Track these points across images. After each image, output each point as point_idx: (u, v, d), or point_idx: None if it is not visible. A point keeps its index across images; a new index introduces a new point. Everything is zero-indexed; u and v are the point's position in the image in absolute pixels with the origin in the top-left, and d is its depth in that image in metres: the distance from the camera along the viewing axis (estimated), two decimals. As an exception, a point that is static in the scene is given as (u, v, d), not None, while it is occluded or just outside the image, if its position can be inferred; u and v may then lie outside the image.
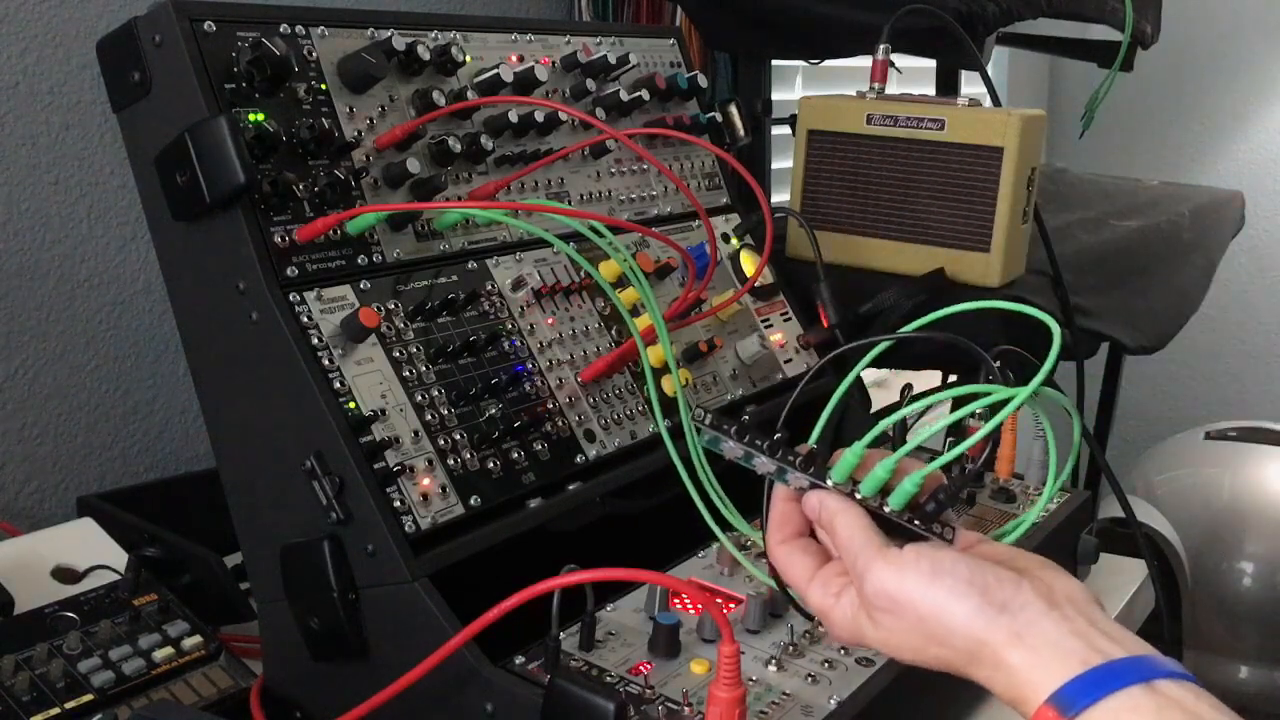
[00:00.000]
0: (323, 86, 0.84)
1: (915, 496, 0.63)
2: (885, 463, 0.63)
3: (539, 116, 0.97)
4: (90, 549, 0.94)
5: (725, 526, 0.77)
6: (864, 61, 1.26)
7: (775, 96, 1.75)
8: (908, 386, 1.18)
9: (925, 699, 0.82)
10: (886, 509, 0.63)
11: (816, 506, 0.64)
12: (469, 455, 0.81)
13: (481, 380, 0.85)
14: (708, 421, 0.65)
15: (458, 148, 0.89)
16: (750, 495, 0.82)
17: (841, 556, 0.63)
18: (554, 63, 1.03)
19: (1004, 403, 0.61)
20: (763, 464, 0.65)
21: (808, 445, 0.67)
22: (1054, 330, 0.63)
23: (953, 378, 1.39)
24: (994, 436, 0.83)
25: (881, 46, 1.21)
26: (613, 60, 1.05)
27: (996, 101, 1.23)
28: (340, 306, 0.80)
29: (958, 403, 0.69)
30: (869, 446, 0.64)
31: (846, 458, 0.64)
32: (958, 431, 1.09)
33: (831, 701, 0.72)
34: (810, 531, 0.67)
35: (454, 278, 0.88)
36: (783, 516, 0.67)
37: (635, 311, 0.96)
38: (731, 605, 0.82)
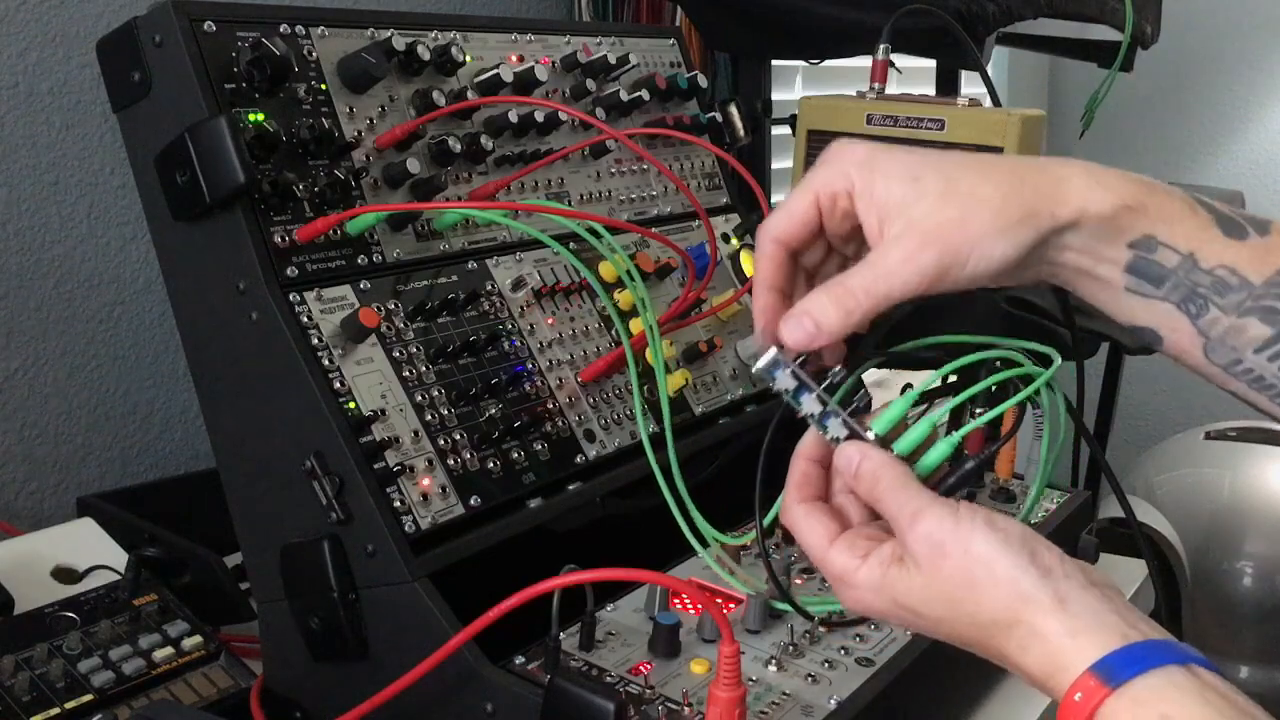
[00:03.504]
0: (323, 86, 0.84)
1: (938, 469, 0.62)
2: (930, 417, 0.61)
3: (539, 116, 0.97)
4: (90, 549, 0.94)
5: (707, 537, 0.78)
6: (864, 61, 1.26)
7: (775, 96, 1.75)
8: (907, 386, 1.17)
9: (925, 699, 0.82)
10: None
11: (855, 457, 0.60)
12: (469, 455, 0.81)
13: (481, 380, 0.85)
14: (764, 359, 0.62)
15: (458, 148, 0.89)
16: (727, 506, 0.82)
17: (882, 505, 0.59)
18: (554, 63, 1.03)
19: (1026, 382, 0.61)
20: (809, 403, 0.62)
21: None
22: (1055, 359, 0.64)
23: (953, 377, 1.39)
24: (1017, 416, 0.83)
25: (881, 46, 1.21)
26: (613, 60, 1.05)
27: (996, 101, 1.23)
28: (340, 306, 0.80)
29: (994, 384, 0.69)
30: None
31: (890, 412, 0.62)
32: (958, 416, 1.09)
33: (831, 701, 0.72)
34: (827, 498, 0.64)
35: (454, 278, 0.88)
36: (804, 478, 0.63)
37: (634, 311, 0.96)
38: (731, 605, 0.82)
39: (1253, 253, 0.60)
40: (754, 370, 0.63)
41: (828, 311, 0.60)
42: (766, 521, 0.71)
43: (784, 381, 0.62)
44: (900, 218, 0.59)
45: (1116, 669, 0.51)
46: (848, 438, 0.62)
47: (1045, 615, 0.54)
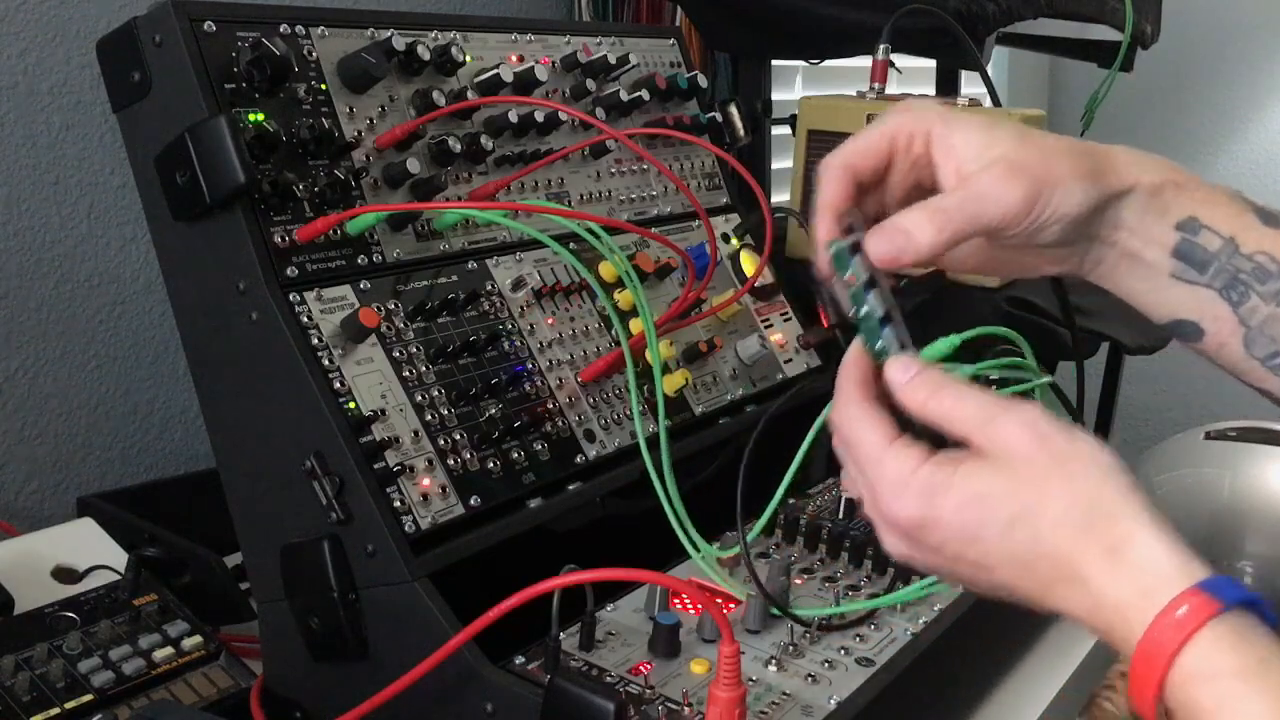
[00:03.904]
0: (323, 86, 0.84)
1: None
2: (951, 339, 0.59)
3: (539, 116, 0.97)
4: (90, 549, 0.94)
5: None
6: (864, 61, 1.26)
7: (775, 96, 1.75)
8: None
9: (925, 699, 0.82)
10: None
11: (913, 365, 0.56)
12: (469, 455, 0.81)
13: (481, 380, 0.85)
14: (849, 238, 0.60)
15: (458, 148, 0.89)
16: (728, 506, 0.82)
17: (946, 412, 0.54)
18: (554, 63, 1.03)
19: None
20: (873, 301, 0.58)
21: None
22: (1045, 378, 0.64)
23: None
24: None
25: (881, 46, 1.21)
26: (613, 60, 1.05)
27: (996, 101, 1.23)
28: (340, 306, 0.80)
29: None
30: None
31: (938, 345, 0.60)
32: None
33: (831, 701, 0.72)
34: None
35: (454, 278, 0.88)
36: (864, 376, 0.58)
37: (634, 312, 0.96)
38: (731, 605, 0.82)
39: None
40: (832, 249, 0.60)
41: (922, 226, 0.58)
42: (760, 525, 0.72)
43: (858, 270, 0.59)
44: (981, 158, 0.59)
45: (1220, 588, 0.47)
46: (902, 349, 0.58)
47: (1144, 526, 0.50)
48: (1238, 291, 0.61)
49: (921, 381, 0.56)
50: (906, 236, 0.58)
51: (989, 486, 0.52)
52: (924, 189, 0.62)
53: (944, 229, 0.58)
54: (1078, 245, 0.63)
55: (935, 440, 0.56)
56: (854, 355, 0.59)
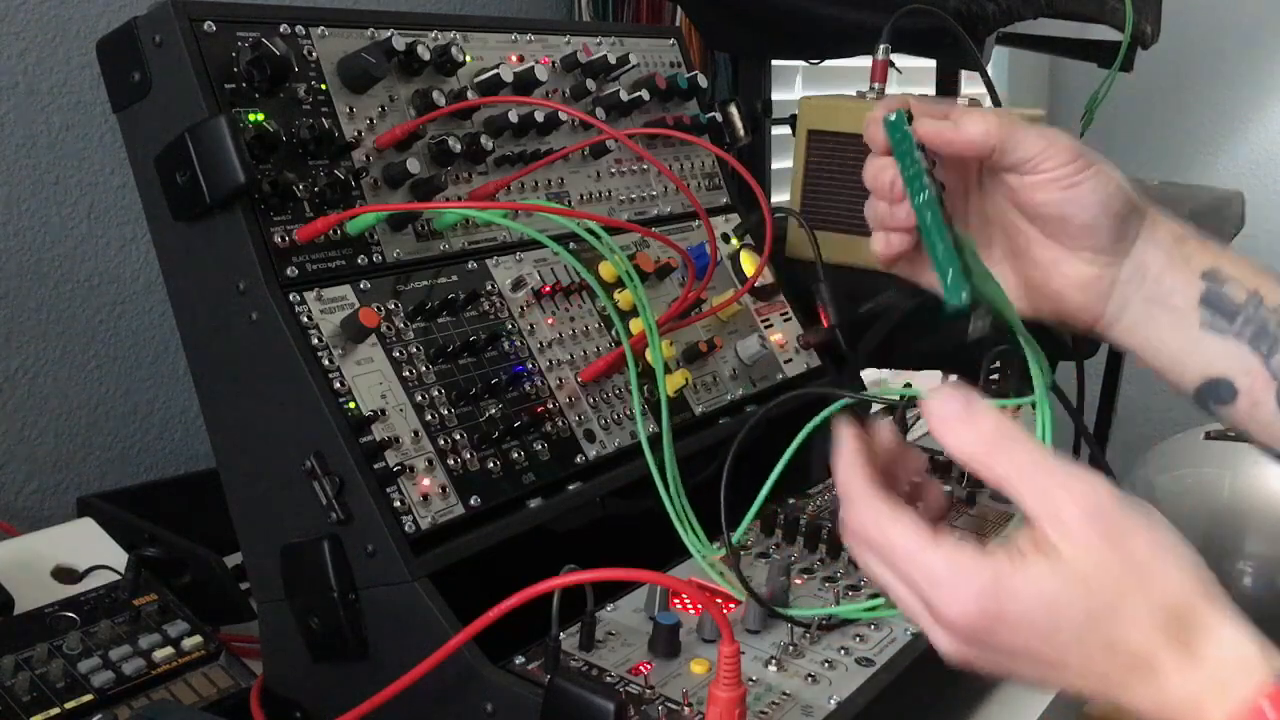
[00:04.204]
0: (323, 86, 0.84)
1: None
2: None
3: (539, 116, 0.97)
4: (90, 549, 0.94)
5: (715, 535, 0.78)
6: (864, 61, 1.26)
7: (775, 96, 1.75)
8: (907, 386, 1.18)
9: (925, 699, 0.82)
10: None
11: (961, 400, 0.50)
12: (469, 455, 0.81)
13: (481, 380, 0.85)
14: (909, 116, 0.65)
15: (458, 148, 0.89)
16: (716, 511, 0.82)
17: (1010, 469, 0.49)
18: (554, 63, 1.03)
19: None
20: (925, 195, 0.62)
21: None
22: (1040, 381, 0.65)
23: (953, 377, 1.39)
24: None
25: (881, 46, 1.21)
26: (613, 60, 1.05)
27: (996, 101, 1.24)
28: (340, 306, 0.80)
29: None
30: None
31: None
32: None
33: (831, 701, 0.72)
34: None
35: (454, 278, 0.88)
36: (870, 466, 0.53)
37: (634, 312, 0.96)
38: (731, 605, 0.82)
39: None
40: (887, 119, 0.65)
41: (975, 118, 0.63)
42: (742, 529, 0.72)
43: (913, 140, 0.64)
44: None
45: None
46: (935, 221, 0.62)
47: (1225, 617, 0.48)
48: (1266, 343, 0.62)
49: (977, 433, 0.51)
50: (957, 124, 0.63)
51: (1061, 592, 0.48)
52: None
53: (991, 127, 0.62)
54: (1105, 275, 0.65)
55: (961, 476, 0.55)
56: (851, 447, 0.55)
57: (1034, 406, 0.66)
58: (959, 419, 0.51)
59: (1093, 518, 0.48)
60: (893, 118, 0.64)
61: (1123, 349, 0.68)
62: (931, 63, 1.66)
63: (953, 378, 0.91)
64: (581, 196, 1.02)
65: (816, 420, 0.68)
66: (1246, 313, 0.62)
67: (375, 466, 0.76)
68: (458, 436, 0.81)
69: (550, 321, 0.93)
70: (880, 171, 0.65)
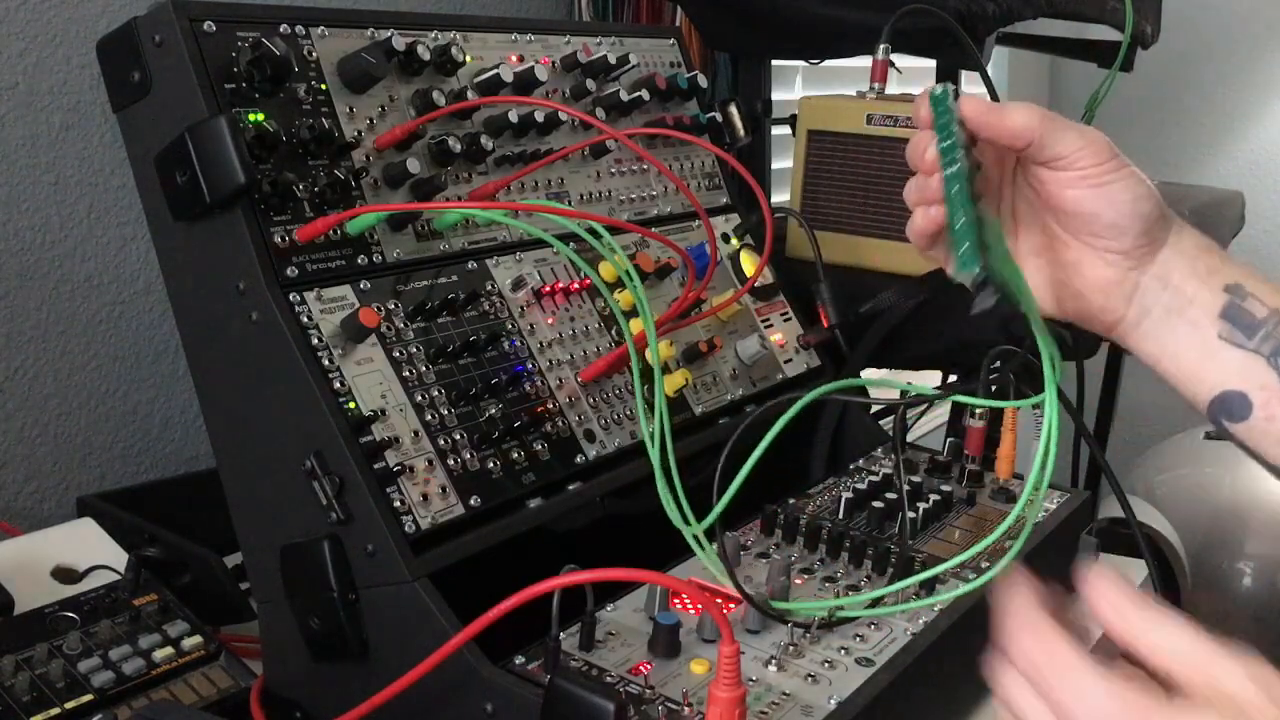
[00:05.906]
0: (323, 86, 0.84)
1: None
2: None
3: (539, 116, 0.97)
4: (90, 549, 0.94)
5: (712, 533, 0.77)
6: (864, 61, 1.26)
7: (775, 96, 1.75)
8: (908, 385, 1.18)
9: (925, 699, 0.82)
10: None
11: (1112, 588, 0.48)
12: (469, 455, 0.81)
13: (481, 380, 0.85)
14: (953, 91, 0.66)
15: (458, 148, 0.89)
16: (728, 506, 0.82)
17: (1160, 652, 0.47)
18: (554, 63, 1.03)
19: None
20: (956, 167, 0.64)
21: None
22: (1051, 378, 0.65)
23: (952, 378, 1.39)
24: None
25: (881, 46, 1.21)
26: (613, 60, 1.05)
27: (996, 101, 1.23)
28: (340, 306, 0.80)
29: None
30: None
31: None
32: (956, 430, 1.09)
33: (831, 701, 0.72)
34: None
35: (454, 278, 0.88)
36: (1028, 605, 0.51)
37: (634, 312, 0.96)
38: (731, 605, 0.82)
39: None
40: (933, 93, 0.66)
41: (1018, 108, 0.65)
42: (711, 518, 0.72)
43: (953, 112, 0.65)
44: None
45: None
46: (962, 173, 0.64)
47: None
48: None
49: (1134, 615, 0.49)
50: (1001, 109, 0.64)
51: None
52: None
53: (1034, 121, 0.64)
54: (1127, 279, 0.65)
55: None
56: (1024, 586, 0.53)
57: (1034, 408, 0.66)
58: (1115, 605, 0.49)
59: (1249, 674, 0.46)
60: (938, 91, 0.65)
61: (1140, 356, 0.69)
62: (931, 63, 1.66)
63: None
64: (581, 196, 1.02)
65: (796, 407, 0.68)
66: (1267, 329, 0.63)
67: (375, 466, 0.75)
68: (458, 436, 0.81)
69: (550, 321, 0.93)
70: (923, 145, 0.67)
